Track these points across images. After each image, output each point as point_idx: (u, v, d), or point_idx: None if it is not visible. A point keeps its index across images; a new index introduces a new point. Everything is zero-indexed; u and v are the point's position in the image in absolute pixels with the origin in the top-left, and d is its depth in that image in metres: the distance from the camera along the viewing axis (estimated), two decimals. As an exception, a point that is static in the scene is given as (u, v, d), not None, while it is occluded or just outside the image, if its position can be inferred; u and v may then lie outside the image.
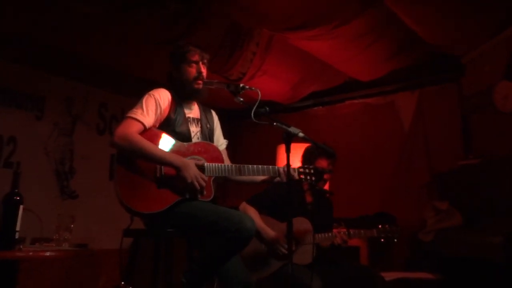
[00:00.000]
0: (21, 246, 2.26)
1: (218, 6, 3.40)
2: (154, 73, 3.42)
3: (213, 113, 2.68)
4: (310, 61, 4.35)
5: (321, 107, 5.39)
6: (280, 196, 2.96)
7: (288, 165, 2.23)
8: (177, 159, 2.21)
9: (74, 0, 3.14)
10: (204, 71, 2.45)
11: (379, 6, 3.33)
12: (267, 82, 4.50)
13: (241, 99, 2.30)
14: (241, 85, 2.29)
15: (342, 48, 3.93)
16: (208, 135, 2.52)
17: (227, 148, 2.65)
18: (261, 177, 2.50)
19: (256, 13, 3.37)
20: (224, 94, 2.43)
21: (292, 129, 2.19)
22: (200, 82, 2.43)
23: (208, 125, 2.55)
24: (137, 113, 2.24)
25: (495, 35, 3.63)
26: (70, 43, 3.88)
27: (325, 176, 3.04)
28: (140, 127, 2.23)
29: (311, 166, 2.54)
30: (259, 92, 2.23)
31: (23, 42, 3.79)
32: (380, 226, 2.94)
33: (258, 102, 2.20)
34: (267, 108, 2.24)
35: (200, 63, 2.44)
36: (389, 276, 3.27)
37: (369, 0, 3.31)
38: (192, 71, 2.42)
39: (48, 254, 2.37)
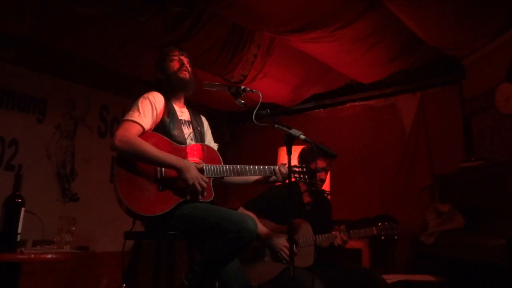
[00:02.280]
0: (22, 249, 2.25)
1: (219, 9, 3.41)
2: (155, 75, 3.42)
3: (203, 118, 2.71)
4: (311, 64, 4.36)
5: (322, 109, 5.39)
6: (276, 199, 2.95)
7: (289, 167, 2.23)
8: (178, 161, 2.22)
9: (76, 2, 3.14)
10: (186, 62, 2.51)
11: (381, 8, 3.33)
12: (268, 84, 4.51)
13: (242, 101, 2.31)
14: (242, 87, 2.31)
15: (343, 51, 3.93)
16: (199, 137, 2.54)
17: (220, 150, 2.65)
18: (254, 177, 2.53)
19: (257, 15, 3.37)
20: (225, 96, 2.44)
21: (293, 131, 2.19)
22: (185, 72, 2.49)
23: (199, 128, 2.58)
24: (134, 116, 2.26)
25: (496, 37, 3.63)
26: (71, 45, 3.88)
27: (322, 176, 3.04)
28: (139, 129, 2.24)
29: (304, 165, 2.55)
30: (260, 94, 2.24)
31: (24, 44, 3.79)
32: (379, 224, 2.94)
33: (259, 104, 2.20)
34: (268, 110, 2.25)
35: (181, 56, 2.52)
36: (391, 278, 3.26)
37: (370, 2, 3.32)
38: (175, 63, 2.50)
39: (49, 257, 2.36)
